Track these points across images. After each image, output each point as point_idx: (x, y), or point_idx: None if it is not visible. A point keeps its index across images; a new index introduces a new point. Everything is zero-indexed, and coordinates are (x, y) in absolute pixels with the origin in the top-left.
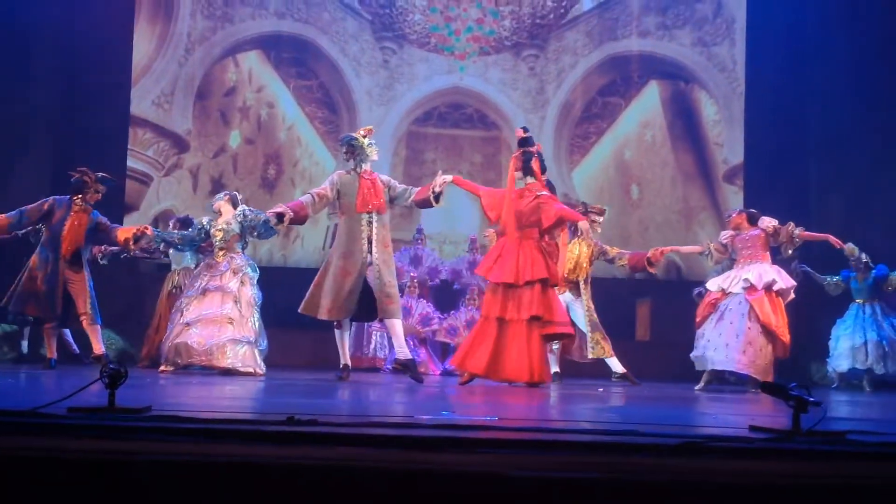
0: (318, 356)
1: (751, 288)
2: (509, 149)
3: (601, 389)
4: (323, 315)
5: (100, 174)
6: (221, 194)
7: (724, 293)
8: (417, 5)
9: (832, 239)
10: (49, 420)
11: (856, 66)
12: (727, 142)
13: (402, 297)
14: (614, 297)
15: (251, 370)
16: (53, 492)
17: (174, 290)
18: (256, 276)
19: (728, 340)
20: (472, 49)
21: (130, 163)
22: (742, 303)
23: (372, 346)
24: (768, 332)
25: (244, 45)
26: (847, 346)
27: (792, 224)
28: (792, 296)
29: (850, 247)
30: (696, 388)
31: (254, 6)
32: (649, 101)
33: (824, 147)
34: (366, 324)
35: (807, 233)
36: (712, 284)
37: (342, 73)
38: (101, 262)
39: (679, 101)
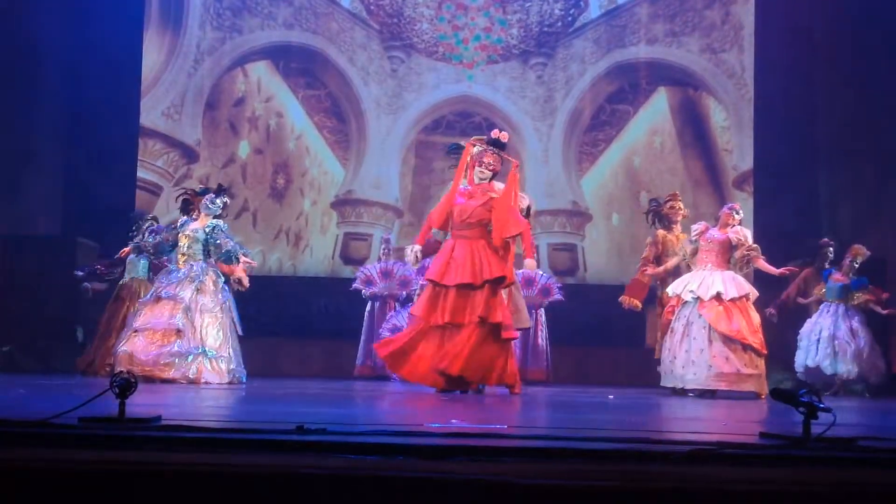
0: (329, 365)
1: (700, 300)
2: (518, 156)
3: (611, 397)
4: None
5: (199, 188)
6: (219, 203)
7: (680, 299)
8: (425, 14)
9: (779, 271)
10: (59, 430)
11: (865, 71)
12: (736, 148)
13: (412, 305)
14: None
15: (203, 381)
16: (64, 502)
17: (117, 301)
18: (221, 280)
19: (694, 357)
20: (481, 57)
21: (140, 173)
22: (700, 316)
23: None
24: (731, 341)
25: (253, 56)
26: (804, 345)
27: (754, 252)
28: (755, 293)
29: (859, 248)
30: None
31: (262, 17)
32: (658, 108)
33: (834, 152)
34: (377, 333)
35: (763, 264)
36: (670, 288)
37: (350, 82)
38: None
39: (688, 107)
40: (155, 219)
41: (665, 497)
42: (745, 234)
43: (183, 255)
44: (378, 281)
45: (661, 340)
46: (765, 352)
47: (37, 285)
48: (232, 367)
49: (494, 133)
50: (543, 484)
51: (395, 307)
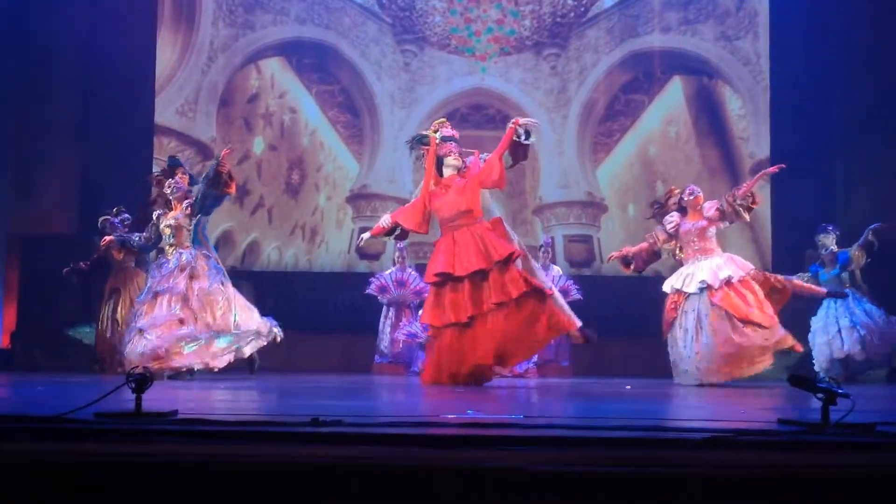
0: (345, 360)
1: (709, 288)
2: (533, 150)
3: (628, 387)
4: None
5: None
6: (181, 181)
7: (681, 293)
8: (437, 7)
9: (763, 175)
10: (76, 425)
11: (881, 57)
12: (752, 136)
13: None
14: (641, 295)
15: (205, 366)
16: (82, 496)
17: (112, 293)
18: (213, 259)
19: (712, 351)
20: (493, 49)
21: (156, 171)
22: (712, 306)
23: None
24: (752, 324)
25: (266, 52)
26: (823, 341)
27: (730, 195)
28: (752, 266)
29: (824, 237)
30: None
31: (275, 13)
32: (673, 97)
33: (851, 139)
34: (392, 338)
35: (743, 187)
36: (666, 286)
37: (363, 77)
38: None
39: (703, 96)
40: (121, 209)
41: (684, 483)
42: (710, 204)
43: (171, 245)
44: (392, 289)
45: (667, 336)
46: (775, 321)
47: (53, 284)
48: (249, 339)
49: (446, 131)
50: (561, 472)
51: (410, 316)
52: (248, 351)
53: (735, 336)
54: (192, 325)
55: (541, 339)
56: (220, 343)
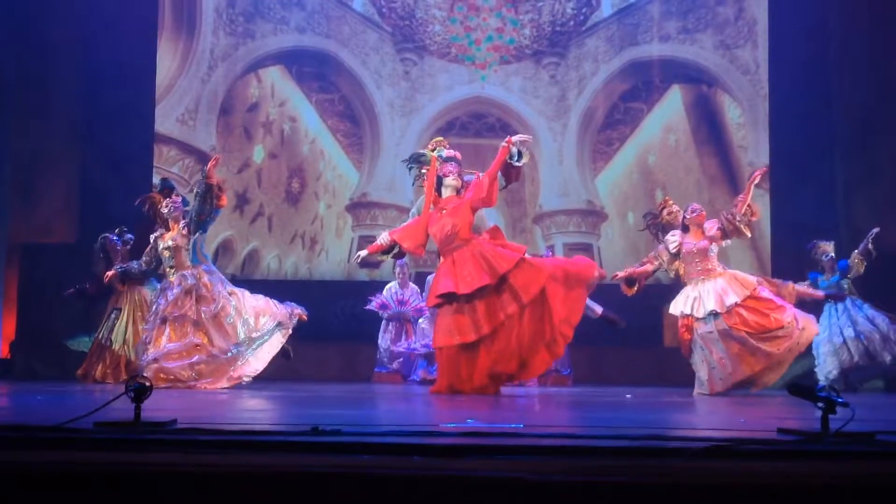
0: (346, 368)
1: (716, 314)
2: (533, 158)
3: (629, 396)
4: None
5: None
6: (178, 201)
7: (693, 318)
8: (437, 16)
9: (752, 183)
10: (75, 435)
11: (879, 64)
12: (752, 144)
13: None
14: (642, 304)
15: (245, 378)
16: None
17: (114, 311)
18: (215, 276)
19: (737, 366)
20: (493, 58)
21: (156, 180)
22: (728, 328)
23: (395, 364)
24: (774, 331)
25: (266, 61)
26: (829, 350)
27: (729, 214)
28: (756, 280)
29: (825, 245)
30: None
31: (275, 22)
32: (672, 106)
33: (850, 147)
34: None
35: (739, 203)
36: (674, 308)
37: (363, 85)
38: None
39: (702, 104)
40: (123, 230)
41: (683, 493)
42: (711, 224)
43: (171, 267)
44: (393, 306)
45: (689, 356)
46: (792, 315)
47: (53, 293)
48: (272, 338)
49: (448, 152)
50: (561, 481)
51: (410, 330)
52: (275, 350)
53: (760, 349)
54: (209, 349)
55: (584, 292)
56: (245, 353)
